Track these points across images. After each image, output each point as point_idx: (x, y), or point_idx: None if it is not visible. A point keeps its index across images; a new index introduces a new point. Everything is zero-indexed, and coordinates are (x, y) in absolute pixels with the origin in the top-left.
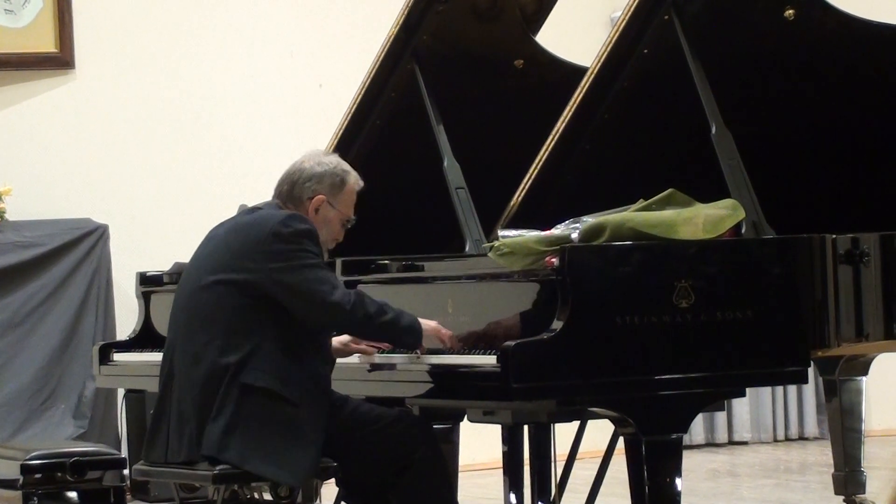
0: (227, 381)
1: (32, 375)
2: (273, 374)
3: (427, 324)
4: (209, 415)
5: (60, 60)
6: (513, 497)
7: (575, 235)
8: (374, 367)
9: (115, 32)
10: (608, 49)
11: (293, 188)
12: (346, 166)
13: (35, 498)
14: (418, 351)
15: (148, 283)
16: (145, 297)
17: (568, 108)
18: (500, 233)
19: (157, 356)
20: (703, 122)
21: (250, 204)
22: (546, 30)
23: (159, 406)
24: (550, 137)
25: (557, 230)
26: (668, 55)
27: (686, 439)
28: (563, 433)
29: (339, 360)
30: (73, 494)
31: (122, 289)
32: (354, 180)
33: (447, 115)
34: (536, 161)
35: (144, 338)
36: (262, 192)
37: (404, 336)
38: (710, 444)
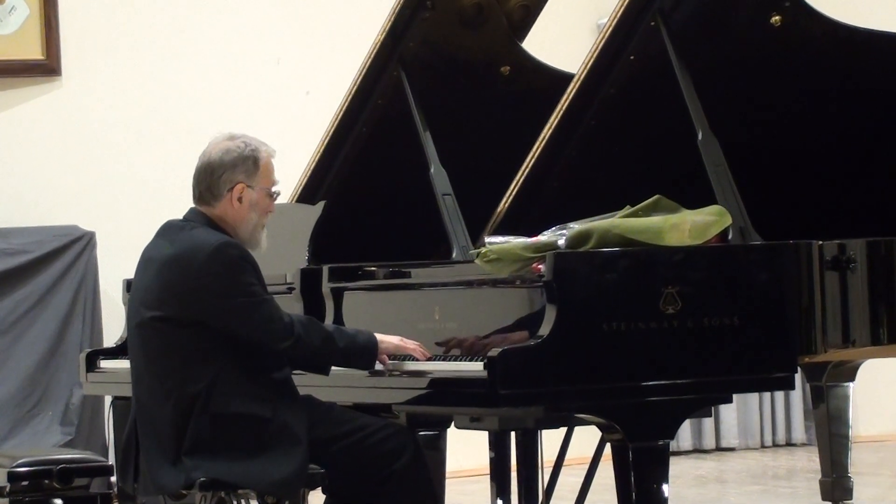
0: (196, 411)
1: (19, 382)
2: (241, 396)
3: (389, 340)
4: (181, 447)
5: (47, 67)
6: (500, 503)
7: (562, 242)
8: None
9: (101, 39)
10: (594, 55)
11: (210, 187)
12: (252, 143)
13: None
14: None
15: None
16: None
17: (554, 114)
18: (487, 239)
19: None
20: (689, 128)
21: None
22: (532, 36)
23: (129, 438)
24: (537, 144)
25: (544, 237)
26: (655, 61)
27: (673, 445)
28: (550, 439)
29: None
30: (59, 502)
31: (108, 296)
32: (266, 154)
33: (434, 121)
34: (523, 167)
35: None
36: None
37: (354, 361)
38: (698, 451)
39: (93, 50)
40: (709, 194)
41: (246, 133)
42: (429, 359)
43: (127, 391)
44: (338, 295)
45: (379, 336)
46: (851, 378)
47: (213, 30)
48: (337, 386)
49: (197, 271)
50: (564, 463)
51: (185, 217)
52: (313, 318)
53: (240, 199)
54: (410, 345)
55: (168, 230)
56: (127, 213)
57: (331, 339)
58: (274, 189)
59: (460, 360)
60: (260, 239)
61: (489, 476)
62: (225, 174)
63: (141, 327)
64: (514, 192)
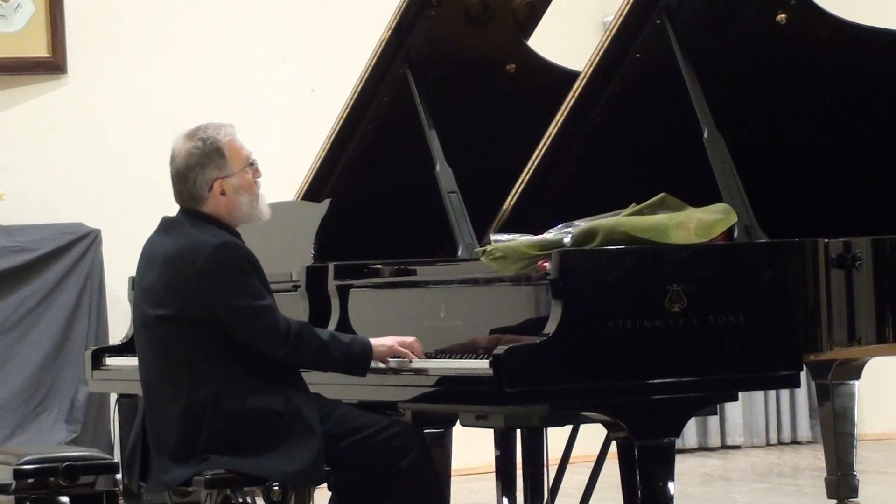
0: (209, 414)
1: (25, 380)
2: (254, 392)
3: (383, 345)
4: (193, 448)
5: (53, 65)
6: (506, 501)
7: (567, 240)
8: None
9: (107, 37)
10: (600, 53)
11: (190, 194)
12: (210, 133)
13: (27, 503)
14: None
15: None
16: None
17: (560, 112)
18: (493, 237)
19: None
20: (695, 126)
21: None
22: (538, 34)
23: (136, 437)
24: (542, 142)
25: (550, 234)
26: (660, 59)
27: (679, 443)
28: (556, 437)
29: None
30: (65, 499)
31: (114, 293)
32: (227, 137)
33: (439, 119)
34: (529, 165)
35: None
36: None
37: (347, 370)
38: (703, 449)
39: (98, 47)
40: (714, 192)
41: (201, 123)
42: (435, 356)
43: (132, 389)
44: (343, 293)
45: (374, 341)
46: (857, 376)
47: (219, 27)
48: (342, 384)
49: (198, 272)
50: (570, 461)
51: (181, 213)
52: (309, 326)
53: (223, 192)
54: (404, 348)
55: (168, 226)
56: (132, 210)
57: (325, 348)
58: (251, 164)
59: (466, 358)
60: (261, 211)
61: (495, 474)
62: (198, 177)
63: (146, 326)
64: (519, 190)
